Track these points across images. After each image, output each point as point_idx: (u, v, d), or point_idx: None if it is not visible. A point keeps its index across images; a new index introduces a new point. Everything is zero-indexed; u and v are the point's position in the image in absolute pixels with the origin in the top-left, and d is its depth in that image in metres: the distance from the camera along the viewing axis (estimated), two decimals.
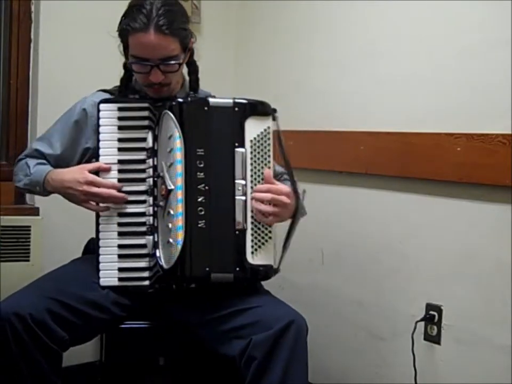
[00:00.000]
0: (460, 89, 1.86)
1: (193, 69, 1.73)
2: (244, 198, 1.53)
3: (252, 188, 1.54)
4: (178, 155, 1.53)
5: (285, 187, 1.56)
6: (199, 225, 1.52)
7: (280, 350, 1.46)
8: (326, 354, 2.23)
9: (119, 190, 1.59)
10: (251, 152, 1.55)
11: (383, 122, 2.07)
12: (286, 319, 1.49)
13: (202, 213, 1.52)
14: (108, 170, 1.59)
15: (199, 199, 1.53)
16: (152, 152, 1.59)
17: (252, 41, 2.65)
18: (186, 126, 1.54)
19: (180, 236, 1.51)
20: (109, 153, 1.60)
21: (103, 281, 1.58)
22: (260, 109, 1.57)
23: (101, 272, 1.59)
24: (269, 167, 1.56)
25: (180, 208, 1.52)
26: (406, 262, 2.01)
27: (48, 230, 2.18)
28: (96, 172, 1.60)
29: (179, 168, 1.52)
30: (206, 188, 1.53)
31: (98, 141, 1.61)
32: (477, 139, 1.78)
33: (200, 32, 2.60)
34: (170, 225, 1.53)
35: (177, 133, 1.53)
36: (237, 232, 1.53)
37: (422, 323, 1.95)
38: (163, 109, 1.57)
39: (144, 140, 1.60)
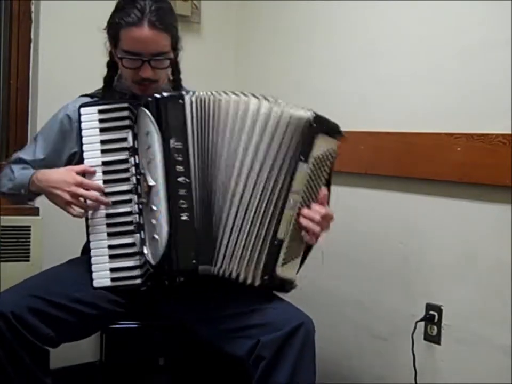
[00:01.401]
0: (459, 89, 1.86)
1: (176, 69, 1.74)
2: (292, 212, 1.53)
3: (301, 203, 1.54)
4: (156, 150, 1.52)
5: (331, 212, 1.58)
6: (182, 218, 1.51)
7: (288, 351, 1.47)
8: (326, 354, 2.23)
9: (104, 180, 1.59)
10: (311, 169, 1.54)
11: (383, 122, 2.07)
12: (295, 321, 1.49)
13: (185, 205, 1.51)
14: (93, 173, 1.60)
15: (180, 192, 1.51)
16: (133, 151, 1.60)
17: (252, 41, 2.65)
18: (163, 120, 1.53)
19: (164, 230, 1.51)
20: (92, 156, 1.61)
21: (96, 283, 1.58)
22: (333, 128, 1.59)
23: (93, 273, 1.59)
24: (321, 188, 1.57)
25: (161, 202, 1.52)
26: (406, 262, 2.02)
27: (48, 230, 2.18)
28: (83, 175, 1.60)
29: (158, 163, 1.52)
30: (187, 180, 1.52)
31: (81, 144, 1.62)
32: (477, 139, 1.78)
33: (200, 32, 2.61)
34: (154, 221, 1.53)
35: (153, 129, 1.53)
36: (276, 242, 1.53)
37: (422, 323, 1.95)
38: (140, 107, 1.57)
39: (125, 139, 1.61)
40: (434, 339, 1.93)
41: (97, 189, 1.58)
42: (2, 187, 1.74)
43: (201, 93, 1.55)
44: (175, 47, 1.63)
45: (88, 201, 1.58)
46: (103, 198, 1.58)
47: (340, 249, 2.23)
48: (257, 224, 1.53)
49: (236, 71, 2.72)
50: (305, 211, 1.54)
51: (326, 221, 1.56)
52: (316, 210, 1.54)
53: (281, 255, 1.54)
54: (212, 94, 1.54)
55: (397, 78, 2.04)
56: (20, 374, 1.46)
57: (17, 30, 2.28)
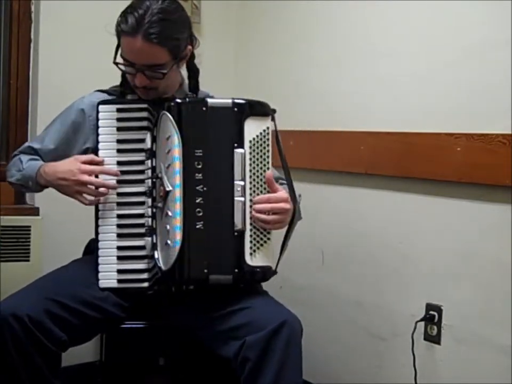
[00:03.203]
0: (460, 89, 1.86)
1: (193, 73, 1.72)
2: (242, 199, 1.53)
3: (251, 188, 1.54)
4: (177, 156, 1.52)
5: (283, 193, 1.56)
6: (197, 227, 1.52)
7: (272, 351, 1.46)
8: (325, 354, 2.23)
9: (118, 180, 1.59)
10: (250, 153, 1.54)
11: (383, 122, 2.07)
12: (278, 319, 1.48)
13: (200, 214, 1.52)
14: (100, 162, 1.59)
15: (197, 200, 1.52)
16: (151, 154, 1.59)
17: (252, 41, 2.65)
18: (184, 126, 1.53)
19: (178, 237, 1.51)
20: (108, 154, 1.60)
21: (102, 283, 1.58)
22: (259, 109, 1.56)
23: (100, 274, 1.59)
24: (268, 168, 1.56)
25: (178, 209, 1.51)
26: (406, 262, 2.01)
27: (48, 230, 2.18)
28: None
29: (177, 169, 1.52)
30: (204, 189, 1.52)
31: (97, 142, 1.61)
32: (477, 139, 1.78)
33: (200, 32, 2.60)
34: (168, 226, 1.53)
35: (175, 134, 1.52)
36: (236, 233, 1.53)
37: (422, 323, 1.95)
38: (161, 110, 1.56)
39: (143, 141, 1.60)
40: (434, 339, 1.93)
41: (104, 172, 1.58)
42: (11, 177, 1.74)
43: (220, 100, 1.55)
44: (176, 57, 1.59)
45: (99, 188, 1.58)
46: (110, 182, 1.58)
47: (340, 249, 2.23)
48: (223, 220, 1.53)
49: (236, 71, 2.72)
50: (255, 206, 1.53)
51: (275, 204, 1.53)
52: (257, 200, 1.53)
53: (247, 245, 1.53)
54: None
55: (397, 78, 2.04)
56: (32, 376, 1.47)
57: (17, 30, 2.28)
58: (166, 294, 1.61)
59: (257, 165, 1.55)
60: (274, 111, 1.58)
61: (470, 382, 1.82)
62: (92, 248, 1.75)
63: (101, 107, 1.61)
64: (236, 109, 1.54)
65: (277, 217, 1.54)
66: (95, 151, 1.64)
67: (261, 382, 1.46)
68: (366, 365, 2.14)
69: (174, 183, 1.52)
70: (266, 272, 1.55)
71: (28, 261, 2.13)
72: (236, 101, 1.55)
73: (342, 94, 2.23)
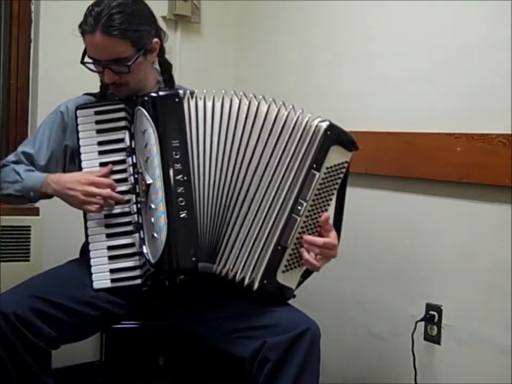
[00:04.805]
0: (460, 89, 1.86)
1: (165, 68, 1.74)
2: (299, 218, 1.53)
3: (308, 211, 1.54)
4: (154, 148, 1.53)
5: (334, 239, 1.58)
6: (181, 216, 1.52)
7: (295, 354, 1.47)
8: (326, 354, 2.21)
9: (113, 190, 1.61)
10: (323, 179, 1.54)
11: (383, 122, 2.07)
12: (302, 325, 1.50)
13: (183, 203, 1.52)
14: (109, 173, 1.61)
15: (179, 190, 1.52)
16: (131, 150, 1.61)
17: (252, 41, 2.65)
18: (160, 118, 1.54)
19: (163, 228, 1.51)
20: (90, 157, 1.63)
21: (96, 284, 1.59)
22: (347, 142, 1.57)
23: (93, 275, 1.59)
24: (331, 199, 1.57)
25: (160, 200, 1.52)
26: (406, 262, 2.01)
27: (48, 230, 2.17)
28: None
29: (155, 161, 1.53)
30: (184, 178, 1.53)
31: (79, 146, 1.63)
32: (477, 139, 1.78)
33: (200, 32, 2.61)
34: (152, 219, 1.53)
35: (150, 127, 1.54)
36: (279, 247, 1.53)
37: (422, 323, 1.95)
38: (136, 107, 1.58)
39: (122, 140, 1.62)
40: (434, 339, 1.93)
41: (110, 186, 1.59)
42: (6, 189, 1.71)
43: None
44: (141, 49, 1.60)
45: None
46: (116, 194, 1.60)
47: (340, 249, 2.22)
48: (265, 227, 1.54)
49: (236, 71, 2.72)
50: (306, 245, 1.53)
51: (326, 249, 1.56)
52: (311, 241, 1.54)
53: (284, 262, 1.54)
54: (213, 96, 1.57)
55: (397, 78, 2.04)
56: (22, 375, 1.47)
57: (17, 30, 2.28)
58: (162, 289, 1.60)
59: (324, 192, 1.55)
60: (357, 148, 1.58)
61: (470, 382, 1.82)
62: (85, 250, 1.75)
63: (79, 112, 1.64)
64: (328, 132, 1.54)
65: (322, 261, 1.57)
66: (73, 150, 1.67)
67: (280, 383, 1.47)
68: (366, 365, 2.15)
69: (154, 175, 1.53)
70: (288, 293, 1.57)
71: (28, 261, 2.12)
72: (332, 124, 1.55)
73: (342, 94, 2.23)
